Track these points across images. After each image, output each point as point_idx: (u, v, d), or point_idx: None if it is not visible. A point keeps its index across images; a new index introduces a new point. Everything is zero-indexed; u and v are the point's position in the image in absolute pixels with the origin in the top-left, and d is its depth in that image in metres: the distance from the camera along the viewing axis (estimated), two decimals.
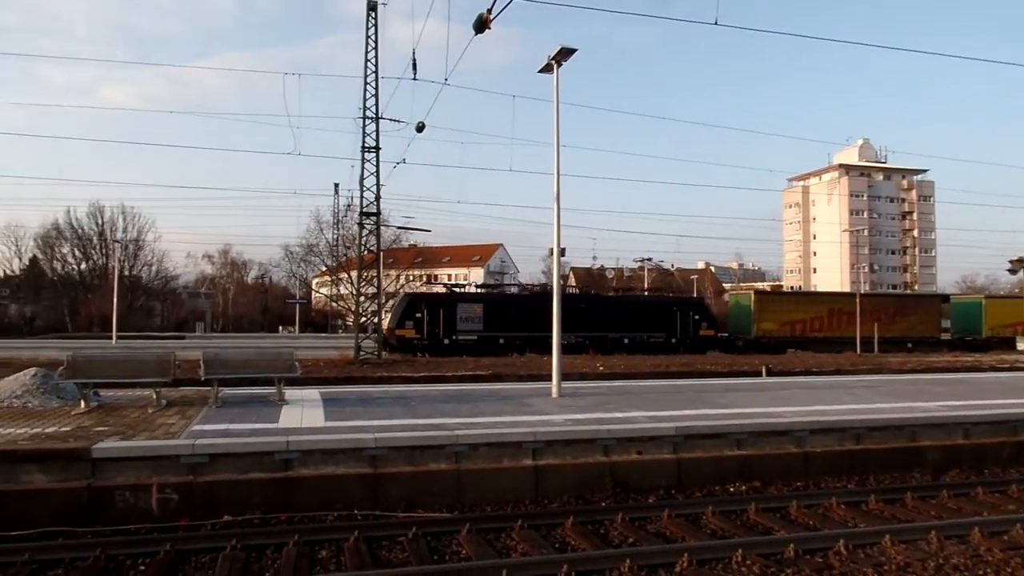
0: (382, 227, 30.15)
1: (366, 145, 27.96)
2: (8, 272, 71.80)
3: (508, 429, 9.61)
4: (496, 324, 34.62)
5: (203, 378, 11.57)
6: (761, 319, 39.39)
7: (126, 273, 63.36)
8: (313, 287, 64.79)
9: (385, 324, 33.69)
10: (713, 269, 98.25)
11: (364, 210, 28.74)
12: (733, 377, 22.12)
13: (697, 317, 37.59)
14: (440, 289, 44.51)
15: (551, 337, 14.25)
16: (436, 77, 48.73)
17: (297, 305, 63.61)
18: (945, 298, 46.80)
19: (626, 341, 35.53)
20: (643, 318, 36.93)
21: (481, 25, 11.25)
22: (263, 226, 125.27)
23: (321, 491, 8.42)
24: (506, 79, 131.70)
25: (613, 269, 79.09)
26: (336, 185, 50.44)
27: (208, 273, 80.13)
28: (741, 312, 41.41)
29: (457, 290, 41.63)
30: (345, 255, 51.80)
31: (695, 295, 54.22)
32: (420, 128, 23.75)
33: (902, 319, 41.43)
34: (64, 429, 8.95)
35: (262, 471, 8.34)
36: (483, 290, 42.77)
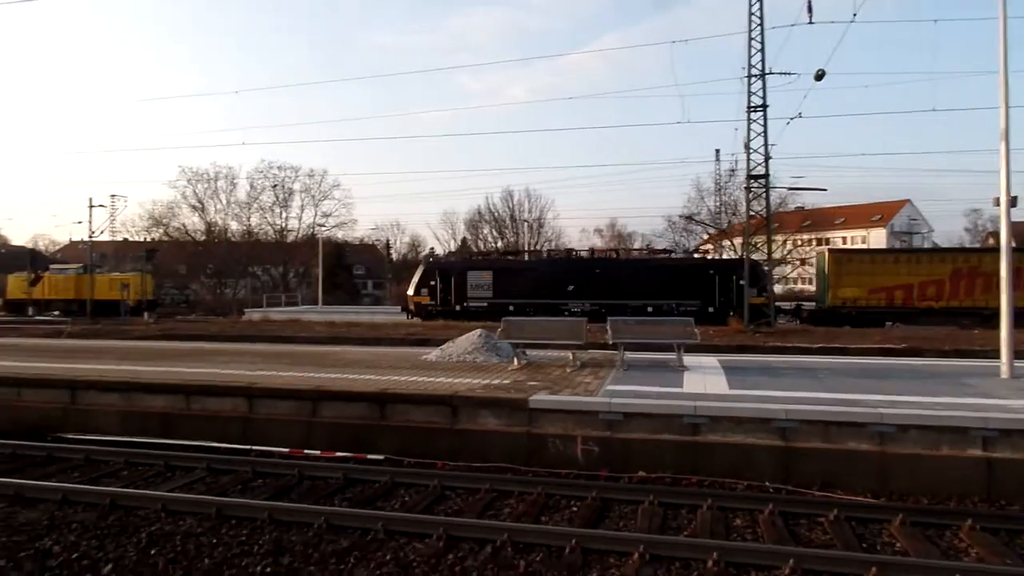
0: (771, 189, 28.55)
1: (752, 104, 26.76)
2: (447, 250, 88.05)
3: (946, 412, 8.26)
4: (505, 291, 33.20)
5: (610, 343, 12.49)
6: (839, 284, 30.57)
7: (532, 248, 72.14)
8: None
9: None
10: None
11: (751, 173, 27.67)
12: None
13: (743, 282, 29.18)
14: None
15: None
16: (832, 18, 43.61)
17: None
18: None
19: (650, 309, 30.36)
20: (672, 283, 31.49)
21: None
22: (647, 198, 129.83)
23: (729, 458, 8.39)
24: (918, 4, 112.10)
25: None
26: (717, 151, 49.55)
27: (598, 246, 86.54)
28: (821, 276, 32.22)
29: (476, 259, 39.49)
30: (729, 222, 50.73)
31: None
32: (819, 76, 21.74)
33: None
34: (505, 382, 10.56)
35: (671, 433, 8.65)
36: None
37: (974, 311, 28.42)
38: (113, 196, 47.16)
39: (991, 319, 24.87)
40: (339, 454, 9.40)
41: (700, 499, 7.36)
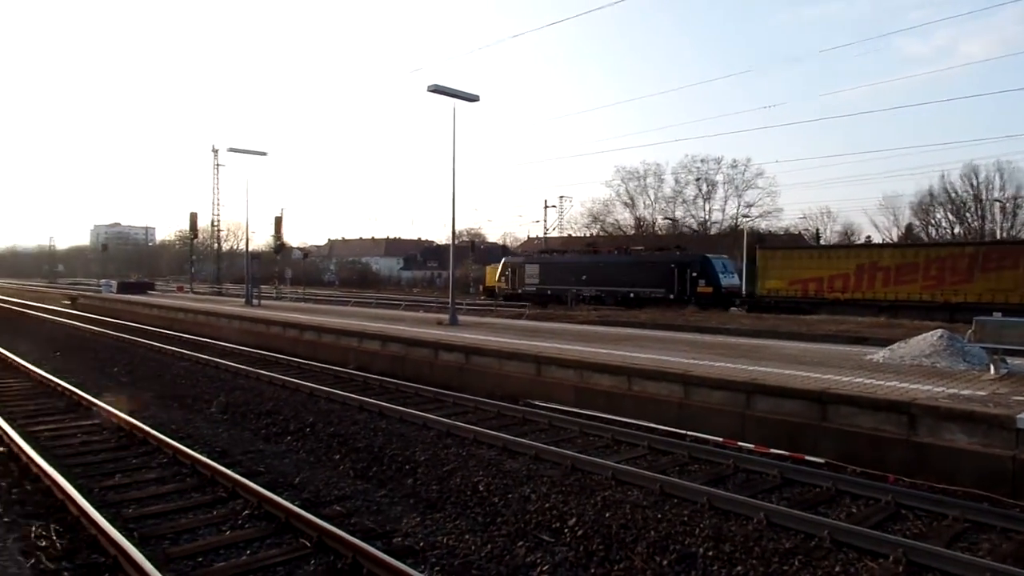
0: None
1: None
2: (886, 240, 77.81)
3: None
4: (546, 280, 42.21)
5: None
6: (766, 276, 35.17)
7: (1004, 235, 59.03)
8: None
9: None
10: None
11: None
12: None
13: (695, 274, 36.16)
14: None
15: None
16: None
17: None
18: None
19: (632, 295, 37.45)
20: (646, 275, 37.61)
21: None
22: None
23: None
24: None
25: None
26: None
27: None
28: (756, 269, 36.62)
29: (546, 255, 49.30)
30: None
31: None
32: None
33: (987, 276, 28.98)
34: (979, 393, 8.89)
35: None
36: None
37: (874, 303, 30.91)
38: (561, 197, 54.05)
39: (887, 310, 29.30)
40: (773, 451, 9.15)
41: None
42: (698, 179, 71.11)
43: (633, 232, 72.40)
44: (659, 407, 10.71)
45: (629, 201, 74.29)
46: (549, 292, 41.60)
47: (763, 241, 69.57)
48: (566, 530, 6.60)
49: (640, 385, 11.15)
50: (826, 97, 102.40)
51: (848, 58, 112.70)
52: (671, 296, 36.86)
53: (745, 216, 68.58)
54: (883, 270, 32.14)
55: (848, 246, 41.33)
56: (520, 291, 43.80)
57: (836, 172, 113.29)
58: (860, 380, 10.00)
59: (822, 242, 77.83)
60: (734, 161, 69.80)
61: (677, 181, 72.42)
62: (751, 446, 9.36)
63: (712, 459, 8.80)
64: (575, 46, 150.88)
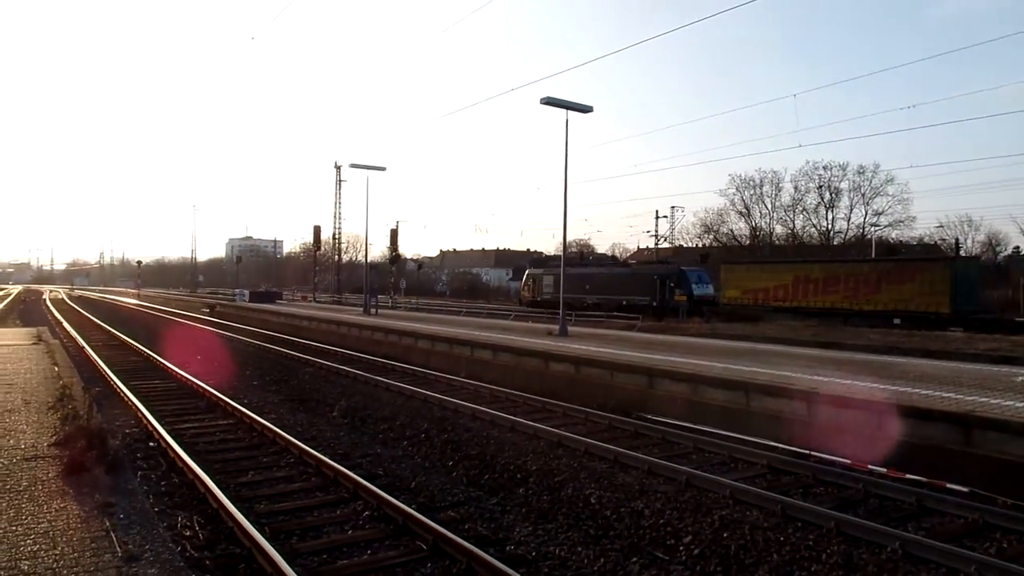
0: None
1: None
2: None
3: None
4: (558, 289, 40.66)
5: None
6: (727, 287, 39.66)
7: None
8: None
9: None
10: None
11: None
12: None
13: (673, 285, 39.17)
14: None
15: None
16: None
17: None
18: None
19: (624, 303, 40.49)
20: (635, 285, 41.37)
21: None
22: None
23: None
24: None
25: None
26: None
27: None
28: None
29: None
30: None
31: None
32: None
33: (889, 288, 32.51)
34: None
35: None
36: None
37: (806, 310, 34.64)
38: (673, 208, 52.94)
39: (816, 316, 33.43)
40: (908, 476, 8.50)
41: None
42: (820, 187, 67.43)
43: (748, 242, 69.69)
44: (780, 425, 10.21)
45: (744, 210, 71.51)
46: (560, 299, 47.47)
47: (894, 252, 65.01)
48: (681, 548, 6.43)
49: (759, 401, 10.68)
50: (966, 97, 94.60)
51: (992, 54, 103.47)
52: (654, 304, 40.36)
53: (874, 225, 64.25)
54: (814, 282, 36.00)
55: (788, 261, 45.09)
56: (539, 299, 48.04)
57: (980, 177, 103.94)
58: (1009, 403, 9.13)
59: (962, 253, 71.81)
60: (860, 167, 65.60)
61: (797, 189, 68.91)
62: (883, 469, 8.74)
63: (839, 482, 8.30)
64: (688, 52, 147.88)
